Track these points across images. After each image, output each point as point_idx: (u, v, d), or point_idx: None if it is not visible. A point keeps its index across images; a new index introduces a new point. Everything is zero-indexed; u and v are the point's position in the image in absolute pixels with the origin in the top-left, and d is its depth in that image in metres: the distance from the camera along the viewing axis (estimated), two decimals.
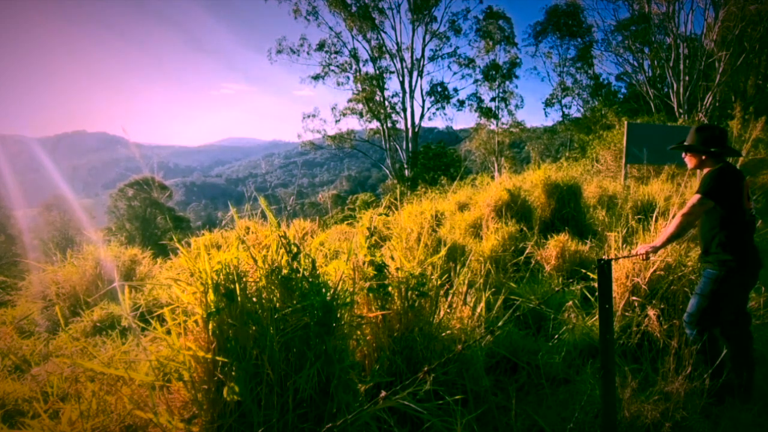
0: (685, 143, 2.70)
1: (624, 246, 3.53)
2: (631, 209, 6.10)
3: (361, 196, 27.45)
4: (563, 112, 28.42)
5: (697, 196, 2.46)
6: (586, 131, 21.39)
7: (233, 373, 1.85)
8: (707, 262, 2.57)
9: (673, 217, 3.55)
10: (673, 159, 8.93)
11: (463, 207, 6.83)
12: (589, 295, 3.79)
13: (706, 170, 2.62)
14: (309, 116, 27.83)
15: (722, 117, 16.94)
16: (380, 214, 5.81)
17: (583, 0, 25.31)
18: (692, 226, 2.61)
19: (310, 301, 1.99)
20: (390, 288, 2.48)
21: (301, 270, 2.07)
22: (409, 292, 2.52)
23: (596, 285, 2.16)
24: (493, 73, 27.77)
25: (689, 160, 2.71)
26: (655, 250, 2.63)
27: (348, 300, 2.20)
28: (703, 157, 2.61)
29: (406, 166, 26.41)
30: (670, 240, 2.55)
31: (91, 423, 1.88)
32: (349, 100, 27.95)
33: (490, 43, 27.57)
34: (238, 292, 1.92)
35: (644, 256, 2.67)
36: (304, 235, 6.63)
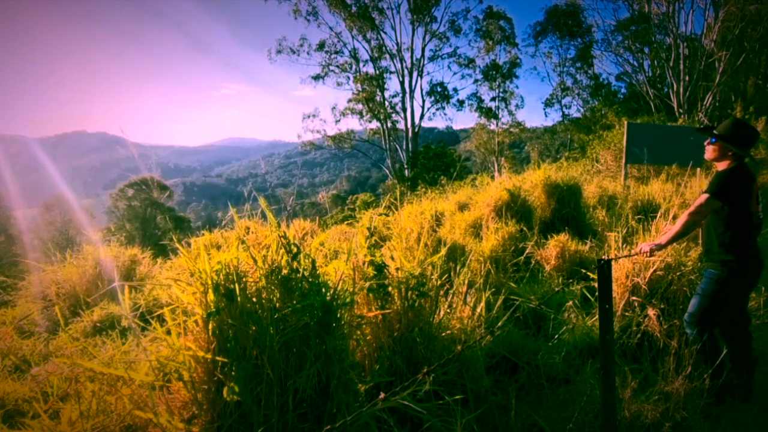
0: (716, 132, 2.57)
1: (624, 246, 3.52)
2: (631, 209, 6.10)
3: (361, 196, 27.46)
4: (563, 112, 28.47)
5: (705, 195, 2.43)
6: (586, 131, 21.39)
7: (233, 373, 1.85)
8: (710, 261, 2.56)
9: (675, 216, 3.55)
10: (674, 159, 8.94)
11: (463, 207, 6.83)
12: (589, 295, 3.79)
13: (720, 166, 2.57)
14: (309, 116, 27.88)
15: (722, 117, 16.93)
16: (380, 214, 5.81)
17: (583, 0, 25.34)
18: (698, 226, 2.59)
19: (310, 301, 1.99)
20: (390, 288, 2.48)
21: (301, 270, 2.07)
22: (409, 292, 2.52)
23: (596, 285, 2.16)
24: (493, 73, 27.78)
25: (712, 150, 2.58)
26: (659, 247, 2.62)
27: (348, 300, 2.20)
28: (729, 152, 2.50)
29: (406, 166, 26.41)
30: (674, 238, 2.54)
31: (91, 423, 1.88)
32: (349, 101, 27.99)
33: (490, 43, 27.58)
34: (238, 292, 1.92)
35: (648, 253, 2.66)
36: (304, 235, 6.63)
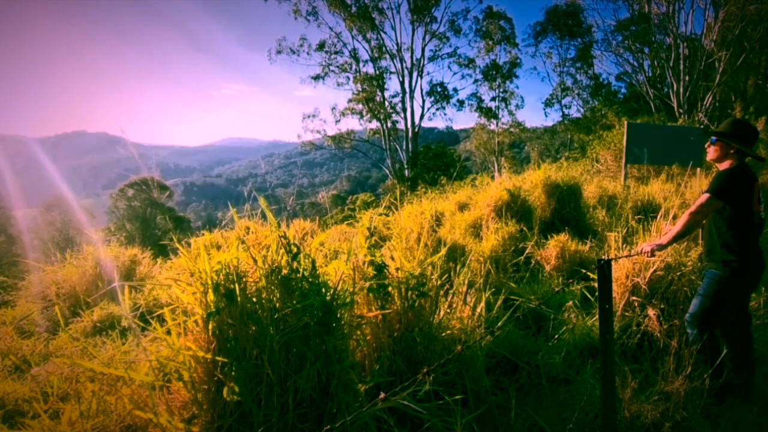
0: (716, 131, 2.58)
1: (624, 246, 3.52)
2: (631, 209, 6.11)
3: (361, 196, 27.44)
4: (563, 112, 28.48)
5: (707, 195, 2.43)
6: (586, 131, 21.40)
7: (233, 373, 1.85)
8: (711, 261, 2.56)
9: (675, 217, 3.55)
10: (674, 159, 8.94)
11: (463, 207, 6.83)
12: (589, 295, 3.79)
13: (722, 167, 2.57)
14: (309, 116, 27.88)
15: (722, 117, 16.93)
16: (380, 214, 5.81)
17: (583, 0, 25.35)
18: (699, 225, 2.58)
19: (310, 301, 1.99)
20: (390, 288, 2.48)
21: (301, 270, 2.07)
22: (409, 292, 2.52)
23: (596, 285, 2.16)
24: (494, 73, 27.79)
25: (713, 151, 2.59)
26: (661, 248, 2.61)
27: (348, 300, 2.20)
28: (731, 151, 2.51)
29: (406, 166, 26.41)
30: (676, 238, 2.54)
31: (91, 423, 1.88)
32: (349, 101, 27.99)
33: (490, 43, 27.59)
34: (238, 292, 1.92)
35: (649, 253, 2.66)
36: (304, 235, 6.63)
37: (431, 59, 28.34)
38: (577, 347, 3.08)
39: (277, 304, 2.00)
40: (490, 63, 27.93)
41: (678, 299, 3.12)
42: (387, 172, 28.32)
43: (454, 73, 29.80)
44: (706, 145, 2.66)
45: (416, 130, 27.97)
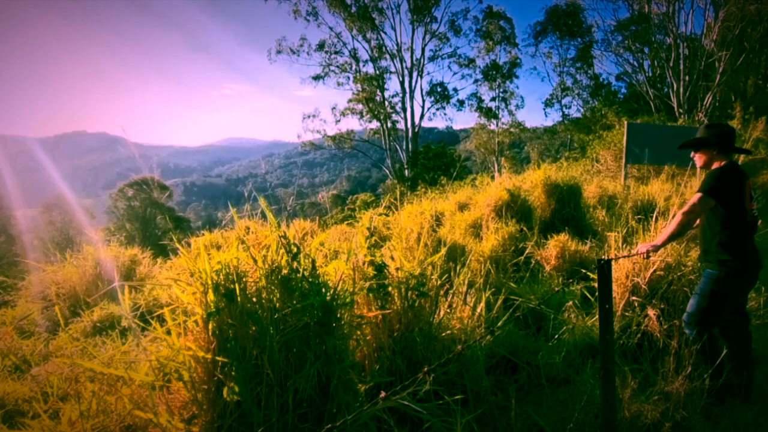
0: (692, 141, 2.66)
1: (624, 246, 3.53)
2: (631, 209, 6.10)
3: (361, 196, 27.41)
4: (563, 112, 28.49)
5: (699, 194, 2.45)
6: (586, 131, 21.38)
7: (233, 373, 1.85)
8: (707, 261, 2.56)
9: (674, 216, 3.56)
10: (674, 159, 8.93)
11: (463, 207, 6.83)
12: (589, 295, 3.79)
13: (713, 167, 2.60)
14: (309, 116, 27.86)
15: (722, 117, 16.93)
16: (380, 214, 5.81)
17: (583, 0, 25.34)
18: (693, 225, 2.60)
19: (310, 301, 1.99)
20: (390, 288, 2.48)
21: (301, 270, 2.07)
22: (409, 292, 2.52)
23: (596, 285, 2.16)
24: (493, 73, 27.79)
25: (699, 158, 2.67)
26: (656, 248, 2.63)
27: (348, 300, 2.20)
28: (714, 153, 2.58)
29: (406, 166, 26.40)
30: (670, 239, 2.55)
31: (91, 423, 1.88)
32: (349, 101, 27.98)
33: (490, 43, 27.59)
34: (238, 292, 1.92)
35: (645, 255, 2.67)
36: (304, 235, 6.64)
37: (431, 59, 28.37)
38: (577, 347, 3.08)
39: (277, 304, 2.00)
40: (490, 63, 27.93)
41: (678, 299, 3.12)
42: (387, 172, 28.31)
43: (454, 73, 29.87)
44: (691, 155, 2.71)
45: (416, 130, 27.96)
